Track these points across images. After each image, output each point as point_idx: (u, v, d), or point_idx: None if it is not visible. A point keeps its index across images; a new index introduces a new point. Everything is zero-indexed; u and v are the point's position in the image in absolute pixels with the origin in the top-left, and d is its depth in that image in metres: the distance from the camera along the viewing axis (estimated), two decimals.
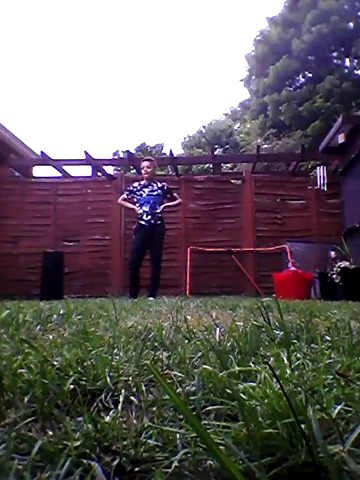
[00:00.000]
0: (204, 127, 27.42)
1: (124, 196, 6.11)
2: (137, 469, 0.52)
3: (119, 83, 61.15)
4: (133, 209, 5.96)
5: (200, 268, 8.06)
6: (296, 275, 6.47)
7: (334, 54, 20.26)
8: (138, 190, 5.97)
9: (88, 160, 8.75)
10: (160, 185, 6.00)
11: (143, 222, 5.77)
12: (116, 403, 0.73)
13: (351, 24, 19.44)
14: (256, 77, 21.67)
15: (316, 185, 8.36)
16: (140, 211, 5.81)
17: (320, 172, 8.39)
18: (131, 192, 6.03)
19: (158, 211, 5.81)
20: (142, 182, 6.05)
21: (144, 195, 5.90)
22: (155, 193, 5.91)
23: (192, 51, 57.61)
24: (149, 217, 5.76)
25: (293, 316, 2.11)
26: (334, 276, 5.92)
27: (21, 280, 7.98)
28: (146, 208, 5.80)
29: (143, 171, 6.04)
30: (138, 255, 5.73)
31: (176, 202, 6.13)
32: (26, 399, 0.73)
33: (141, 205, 5.85)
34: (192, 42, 56.79)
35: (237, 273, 8.04)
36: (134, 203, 5.99)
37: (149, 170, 6.01)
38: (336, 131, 7.73)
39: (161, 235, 5.81)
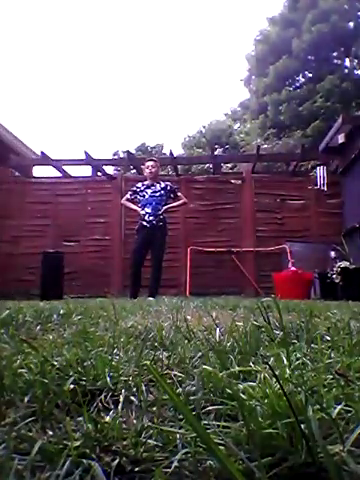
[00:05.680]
0: (204, 127, 27.40)
1: (127, 196, 6.11)
2: (137, 469, 0.52)
3: (119, 83, 61.16)
4: (136, 210, 5.95)
5: (200, 268, 8.06)
6: (296, 275, 6.46)
7: (334, 54, 20.28)
8: (141, 191, 5.96)
9: (88, 160, 8.75)
10: (163, 185, 5.99)
11: (145, 223, 5.77)
12: (116, 403, 0.73)
13: (351, 24, 19.46)
14: (256, 77, 21.68)
15: (316, 185, 8.36)
16: (143, 212, 5.81)
17: (320, 172, 8.39)
18: (134, 192, 6.02)
19: (160, 212, 5.80)
20: (145, 183, 6.04)
21: (147, 196, 5.89)
22: (158, 194, 5.90)
23: (192, 51, 57.66)
24: (151, 218, 5.75)
25: (293, 316, 2.11)
26: (334, 276, 5.92)
27: (21, 280, 7.98)
28: (148, 209, 5.79)
29: (148, 171, 6.03)
30: (139, 255, 5.72)
31: (180, 202, 6.12)
32: (26, 399, 0.73)
33: (143, 206, 5.84)
34: (192, 42, 56.84)
35: (237, 273, 8.03)
36: (137, 204, 5.99)
37: (154, 170, 6.01)
38: (336, 131, 7.73)
39: (163, 236, 5.81)
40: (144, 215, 5.79)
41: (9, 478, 0.46)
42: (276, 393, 0.62)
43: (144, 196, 5.91)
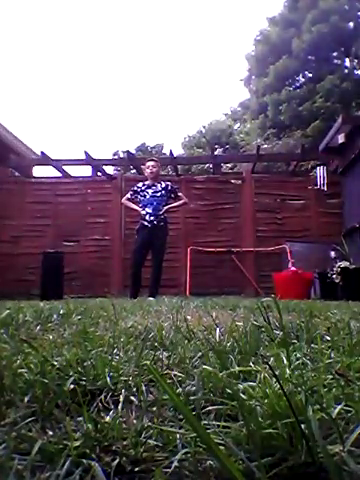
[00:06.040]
0: (204, 127, 27.40)
1: (128, 196, 6.11)
2: (137, 469, 0.52)
3: (119, 83, 61.15)
4: (137, 210, 5.95)
5: (200, 268, 8.06)
6: (296, 275, 6.46)
7: (334, 54, 20.25)
8: (142, 190, 5.96)
9: (88, 160, 8.75)
10: (164, 185, 5.98)
11: (146, 223, 5.76)
12: (116, 403, 0.73)
13: (351, 24, 19.44)
14: (256, 77, 21.66)
15: (316, 185, 8.36)
16: (143, 212, 5.81)
17: (320, 172, 8.39)
18: (135, 192, 6.02)
19: (161, 212, 5.79)
20: (146, 182, 6.03)
21: (148, 196, 5.89)
22: (159, 194, 5.90)
23: (192, 51, 57.56)
24: (152, 218, 5.75)
25: (293, 316, 2.11)
26: (334, 276, 5.92)
27: (21, 280, 7.98)
28: (149, 209, 5.78)
29: (148, 171, 6.03)
30: (140, 255, 5.72)
31: (181, 202, 6.12)
32: (26, 399, 0.73)
33: (144, 206, 5.84)
34: (192, 42, 56.75)
35: (237, 273, 8.03)
36: (137, 203, 5.99)
37: (154, 170, 6.00)
38: (336, 131, 7.73)
39: (163, 236, 5.80)
40: (145, 215, 5.79)
41: (9, 478, 0.46)
42: (276, 393, 0.62)
43: (145, 196, 5.91)
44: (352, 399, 0.65)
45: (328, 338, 1.24)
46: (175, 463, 0.51)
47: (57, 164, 8.87)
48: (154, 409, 0.70)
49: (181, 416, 0.65)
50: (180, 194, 6.16)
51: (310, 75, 20.45)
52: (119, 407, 0.70)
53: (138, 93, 56.82)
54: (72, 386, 0.77)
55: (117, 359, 1.00)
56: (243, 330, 1.25)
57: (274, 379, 0.65)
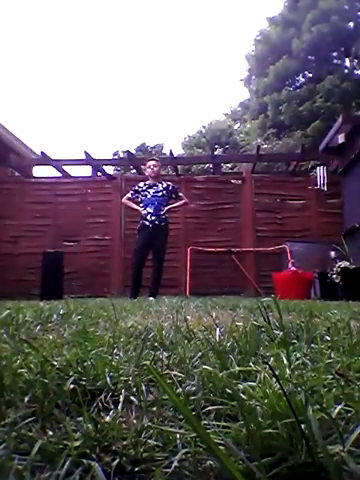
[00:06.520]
0: (204, 127, 27.40)
1: (128, 195, 6.10)
2: (137, 469, 0.52)
3: (119, 83, 61.15)
4: (137, 210, 5.94)
5: (200, 268, 8.06)
6: (296, 275, 6.46)
7: (334, 54, 20.28)
8: (143, 190, 5.95)
9: (88, 160, 8.74)
10: (165, 185, 5.98)
11: (147, 222, 5.76)
12: (116, 403, 0.73)
13: (351, 24, 19.46)
14: (256, 77, 21.69)
15: (316, 185, 8.36)
16: (144, 212, 5.80)
17: (320, 172, 8.39)
18: (136, 192, 6.01)
19: (162, 212, 5.79)
20: (147, 182, 6.02)
21: (149, 196, 5.88)
22: (160, 194, 5.89)
23: (192, 51, 57.58)
24: (153, 218, 5.74)
25: (293, 316, 2.11)
26: (334, 276, 5.92)
27: (21, 280, 7.98)
28: (151, 209, 5.77)
29: (150, 170, 6.02)
30: (141, 255, 5.72)
31: (181, 202, 6.11)
32: (26, 399, 0.73)
33: (146, 206, 5.83)
34: (192, 42, 56.76)
35: (237, 273, 8.03)
36: (138, 203, 5.98)
37: (155, 169, 6.00)
38: (336, 131, 7.73)
39: (164, 236, 5.80)
40: (146, 215, 5.78)
41: (9, 478, 0.46)
42: (276, 393, 0.62)
43: (146, 196, 5.90)
44: (352, 399, 0.65)
45: (328, 338, 1.24)
46: (175, 463, 0.51)
47: (57, 164, 8.87)
48: (154, 409, 0.70)
49: (181, 416, 0.65)
50: (181, 194, 6.16)
51: (310, 75, 20.47)
52: (119, 407, 0.69)
53: (138, 93, 56.84)
54: (72, 386, 0.77)
55: (117, 359, 1.00)
56: (243, 330, 1.25)
57: (274, 379, 0.65)
